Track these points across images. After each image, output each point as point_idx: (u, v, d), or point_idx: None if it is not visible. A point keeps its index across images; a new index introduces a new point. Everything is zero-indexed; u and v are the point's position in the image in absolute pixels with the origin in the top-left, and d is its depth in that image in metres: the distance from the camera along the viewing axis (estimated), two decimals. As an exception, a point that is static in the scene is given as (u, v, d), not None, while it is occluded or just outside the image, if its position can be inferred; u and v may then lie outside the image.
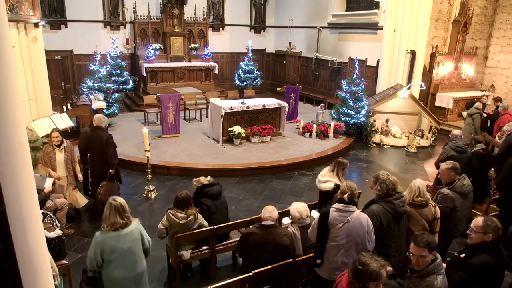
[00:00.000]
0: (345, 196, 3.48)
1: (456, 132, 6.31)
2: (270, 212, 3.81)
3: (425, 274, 2.85)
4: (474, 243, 3.16)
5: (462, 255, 3.32)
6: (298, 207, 4.16)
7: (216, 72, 14.88)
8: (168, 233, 4.43)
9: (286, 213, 4.87)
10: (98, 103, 9.31)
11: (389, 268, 2.64)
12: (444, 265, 3.02)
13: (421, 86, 10.76)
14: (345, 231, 3.41)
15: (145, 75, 13.46)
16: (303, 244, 4.07)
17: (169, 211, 4.37)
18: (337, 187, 4.45)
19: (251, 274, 3.64)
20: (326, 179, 4.80)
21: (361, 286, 2.62)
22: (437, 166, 6.05)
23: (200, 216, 4.49)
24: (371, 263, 2.59)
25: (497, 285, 3.20)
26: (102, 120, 5.97)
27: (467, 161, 5.74)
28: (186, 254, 4.43)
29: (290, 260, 3.85)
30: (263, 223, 3.77)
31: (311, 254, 3.82)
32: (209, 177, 4.87)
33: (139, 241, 3.49)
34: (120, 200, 3.43)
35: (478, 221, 3.14)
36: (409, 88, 10.42)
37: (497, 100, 9.52)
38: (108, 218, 3.35)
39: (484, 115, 9.25)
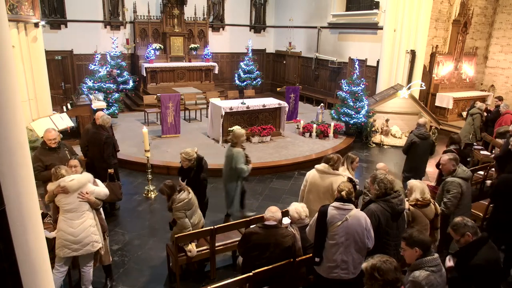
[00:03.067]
0: (343, 193, 3.50)
1: (420, 121, 6.82)
2: (273, 212, 3.81)
3: (412, 268, 2.90)
4: (462, 245, 3.27)
5: (450, 263, 3.41)
6: (297, 208, 4.16)
7: (216, 72, 14.88)
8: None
9: (286, 213, 4.87)
10: (98, 103, 9.31)
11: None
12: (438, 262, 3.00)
13: (421, 86, 10.76)
14: (344, 229, 3.42)
15: (145, 75, 13.46)
16: (303, 244, 4.07)
17: (173, 205, 4.35)
18: (350, 180, 4.53)
19: (251, 274, 3.64)
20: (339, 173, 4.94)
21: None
22: (404, 152, 6.53)
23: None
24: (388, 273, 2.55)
25: (500, 277, 3.29)
26: (106, 120, 5.97)
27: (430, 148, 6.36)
28: (193, 249, 4.44)
29: (290, 260, 3.85)
30: (266, 223, 3.77)
31: (311, 255, 3.82)
32: (196, 148, 5.02)
33: (230, 159, 5.45)
34: (239, 130, 5.61)
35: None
36: (409, 88, 10.42)
37: (500, 99, 9.50)
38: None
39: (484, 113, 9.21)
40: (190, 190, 4.50)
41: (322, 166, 4.59)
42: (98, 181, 4.39)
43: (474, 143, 8.61)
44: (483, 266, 3.09)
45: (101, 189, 4.17)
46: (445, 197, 4.47)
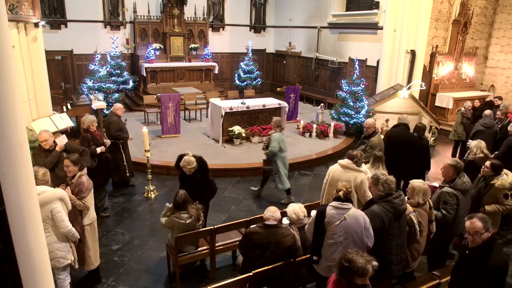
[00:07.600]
0: (341, 193, 3.51)
1: (486, 112, 7.67)
2: (272, 212, 3.82)
3: None
4: (478, 244, 3.13)
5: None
6: (295, 209, 4.17)
7: (216, 72, 14.89)
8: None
9: (284, 214, 4.87)
10: (98, 103, 9.30)
11: (375, 263, 2.69)
12: None
13: (421, 86, 10.75)
14: (343, 229, 3.44)
15: (145, 75, 13.46)
16: (303, 244, 4.07)
17: (172, 215, 4.32)
18: None
19: (251, 274, 3.64)
20: None
21: (348, 282, 2.67)
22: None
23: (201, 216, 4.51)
24: (357, 259, 2.66)
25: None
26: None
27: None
28: None
29: (290, 260, 3.86)
30: (266, 222, 3.78)
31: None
32: (189, 152, 5.01)
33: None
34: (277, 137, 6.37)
35: (476, 223, 3.12)
36: (409, 88, 10.41)
37: (500, 98, 9.51)
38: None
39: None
40: (195, 216, 4.34)
41: (345, 161, 4.64)
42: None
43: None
44: (501, 267, 3.06)
45: (65, 219, 3.79)
46: (443, 208, 4.33)
